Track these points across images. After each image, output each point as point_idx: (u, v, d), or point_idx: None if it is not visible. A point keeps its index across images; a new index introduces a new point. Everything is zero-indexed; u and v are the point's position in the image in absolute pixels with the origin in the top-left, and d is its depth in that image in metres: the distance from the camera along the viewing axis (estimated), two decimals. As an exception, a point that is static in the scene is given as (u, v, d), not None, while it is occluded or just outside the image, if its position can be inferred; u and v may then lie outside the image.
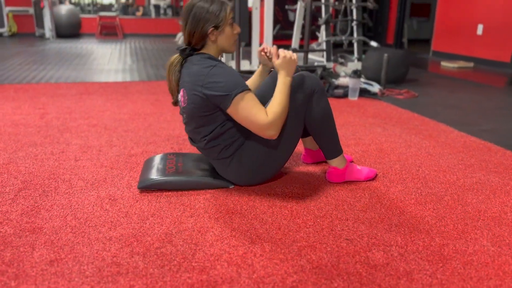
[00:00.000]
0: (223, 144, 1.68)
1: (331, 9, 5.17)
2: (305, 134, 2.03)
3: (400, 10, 7.76)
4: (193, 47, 1.66)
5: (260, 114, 1.55)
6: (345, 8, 5.10)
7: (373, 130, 2.66)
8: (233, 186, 1.79)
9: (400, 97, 3.69)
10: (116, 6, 11.48)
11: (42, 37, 8.91)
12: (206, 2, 1.60)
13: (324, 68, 4.37)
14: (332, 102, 3.44)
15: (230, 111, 1.57)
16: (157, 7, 12.04)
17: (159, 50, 7.25)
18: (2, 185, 1.77)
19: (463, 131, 2.66)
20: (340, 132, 2.60)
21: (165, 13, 11.58)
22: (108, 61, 5.71)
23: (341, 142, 2.40)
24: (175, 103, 1.76)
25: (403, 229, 1.47)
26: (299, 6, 5.14)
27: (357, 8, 4.83)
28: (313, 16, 5.93)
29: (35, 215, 1.53)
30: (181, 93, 1.67)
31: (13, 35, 9.06)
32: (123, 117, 2.85)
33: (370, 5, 4.76)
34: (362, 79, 4.00)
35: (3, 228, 1.44)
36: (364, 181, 1.87)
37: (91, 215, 1.54)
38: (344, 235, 1.43)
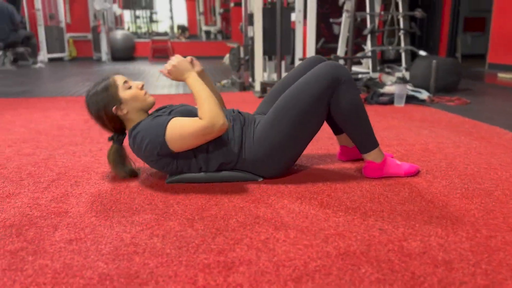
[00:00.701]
0: (221, 153, 1.65)
1: (377, 19, 5.06)
2: (339, 130, 1.94)
3: (452, 24, 7.48)
4: (117, 131, 1.72)
5: (195, 123, 1.53)
6: (392, 17, 4.97)
7: (419, 132, 2.50)
8: (261, 179, 1.72)
9: (451, 103, 3.49)
10: (170, 34, 11.99)
11: (99, 60, 9.41)
12: (93, 90, 1.64)
13: (370, 78, 4.25)
14: (376, 108, 3.30)
15: (175, 147, 1.57)
16: (207, 32, 12.45)
17: (206, 70, 7.40)
18: (38, 176, 1.81)
19: (519, 133, 2.45)
20: (382, 134, 2.47)
21: (215, 37, 11.93)
22: (157, 78, 5.89)
23: (382, 143, 2.28)
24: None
25: (444, 221, 1.33)
26: (344, 18, 5.08)
27: (404, 17, 4.69)
28: (358, 28, 5.84)
29: (63, 201, 1.54)
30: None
31: (72, 59, 9.63)
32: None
33: (418, 14, 4.61)
34: (410, 87, 3.83)
35: (31, 211, 1.45)
36: (404, 176, 1.74)
37: (117, 202, 1.52)
38: (378, 225, 1.31)
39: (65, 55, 9.38)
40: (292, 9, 4.76)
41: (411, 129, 2.58)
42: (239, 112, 1.75)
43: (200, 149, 1.63)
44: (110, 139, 1.73)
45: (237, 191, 1.61)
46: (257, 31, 4.39)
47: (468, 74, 5.84)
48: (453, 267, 1.07)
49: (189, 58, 1.74)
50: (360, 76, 4.47)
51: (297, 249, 1.18)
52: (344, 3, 5.07)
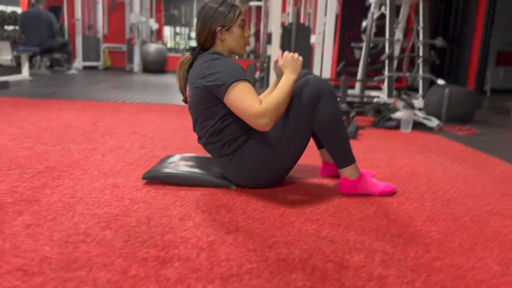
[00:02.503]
0: (224, 140, 1.66)
1: (398, 46, 5.04)
2: (321, 145, 1.95)
3: (481, 56, 7.34)
4: (202, 46, 1.71)
5: (254, 103, 1.53)
6: (413, 44, 4.95)
7: (413, 156, 2.47)
8: (235, 187, 1.74)
9: (460, 133, 3.42)
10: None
11: (130, 71, 9.73)
12: (216, 3, 1.66)
13: (384, 103, 4.23)
14: (381, 132, 3.28)
15: (226, 100, 1.57)
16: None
17: (230, 85, 7.52)
18: (26, 168, 1.90)
19: (519, 165, 2.37)
20: (375, 155, 2.46)
21: (248, 57, 12.14)
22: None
23: (371, 164, 2.26)
24: (185, 100, 1.80)
25: (398, 240, 1.31)
26: (365, 43, 5.08)
27: (424, 45, 4.66)
28: (379, 54, 5.83)
29: (39, 191, 1.61)
30: (187, 88, 1.71)
31: (106, 69, 10.01)
32: (165, 129, 2.96)
33: (439, 42, 4.57)
34: (421, 114, 3.78)
35: (5, 197, 1.53)
36: (378, 195, 1.73)
37: (87, 196, 1.58)
38: (329, 238, 1.31)
39: (99, 64, 9.77)
40: (311, 30, 4.83)
41: (406, 153, 2.55)
42: None
43: (228, 121, 1.64)
44: (193, 49, 1.73)
45: (207, 194, 1.64)
46: (274, 50, 4.47)
47: (494, 107, 5.70)
48: (385, 283, 1.06)
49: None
50: (375, 99, 4.45)
51: (239, 251, 1.19)
52: (365, 28, 5.09)
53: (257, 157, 1.66)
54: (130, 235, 1.27)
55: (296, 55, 1.66)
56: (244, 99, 1.54)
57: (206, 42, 1.69)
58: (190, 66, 1.75)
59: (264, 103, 1.54)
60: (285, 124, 1.63)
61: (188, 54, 1.75)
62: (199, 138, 1.78)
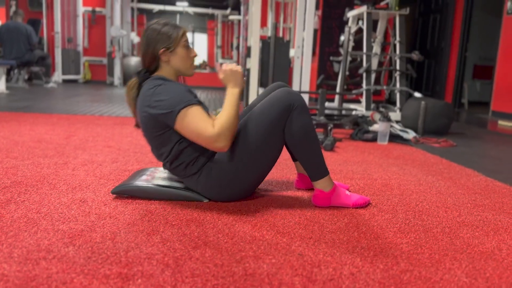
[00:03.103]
0: (187, 161, 1.64)
1: (376, 60, 5.11)
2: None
3: (458, 69, 7.50)
4: (148, 69, 1.70)
5: (207, 127, 1.52)
6: (391, 58, 5.03)
7: (388, 169, 2.48)
8: (207, 200, 1.72)
9: (436, 145, 3.46)
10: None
11: (111, 84, 9.65)
12: (159, 24, 1.66)
13: (361, 115, 4.26)
14: (358, 144, 3.30)
15: (176, 128, 1.57)
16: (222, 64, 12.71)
17: (208, 98, 7.52)
18: (-8, 183, 1.84)
19: (491, 177, 2.40)
20: (350, 167, 2.46)
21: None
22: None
23: (345, 176, 2.26)
24: (137, 125, 1.77)
25: (368, 252, 1.30)
26: (343, 57, 5.14)
27: (401, 59, 4.74)
28: (357, 67, 5.90)
29: (3, 206, 1.56)
30: (137, 115, 1.69)
31: (86, 82, 9.91)
32: (141, 143, 2.92)
33: (415, 56, 4.65)
34: (398, 126, 3.83)
35: (-33, 213, 1.48)
36: (352, 207, 1.72)
37: (53, 211, 1.54)
38: (299, 251, 1.29)
39: (79, 77, 9.67)
40: (291, 44, 4.87)
41: (381, 165, 2.56)
42: None
43: (183, 145, 1.61)
44: (138, 73, 1.70)
45: (177, 208, 1.61)
46: (253, 63, 4.48)
47: (470, 120, 5.80)
48: (352, 296, 1.04)
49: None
50: (354, 112, 4.49)
51: (205, 267, 1.17)
52: (343, 42, 5.15)
53: (226, 171, 1.64)
54: (94, 251, 1.23)
55: (235, 66, 1.65)
56: (196, 125, 1.53)
57: (151, 64, 1.68)
58: (139, 89, 1.70)
59: (217, 125, 1.53)
60: (255, 137, 1.62)
61: (134, 78, 1.72)
62: (163, 164, 1.74)
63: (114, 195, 1.74)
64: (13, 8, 9.03)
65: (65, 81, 9.38)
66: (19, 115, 3.97)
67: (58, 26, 8.82)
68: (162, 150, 1.66)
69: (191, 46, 1.60)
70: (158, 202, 1.68)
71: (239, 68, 1.65)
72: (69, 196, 1.71)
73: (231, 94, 1.62)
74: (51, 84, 7.85)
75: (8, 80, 7.81)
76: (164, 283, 1.07)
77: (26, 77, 7.79)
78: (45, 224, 1.41)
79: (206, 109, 1.66)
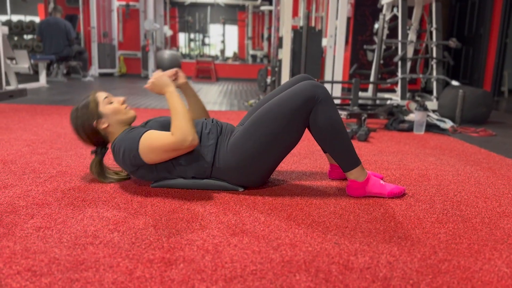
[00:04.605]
0: (195, 161, 1.70)
1: (412, 47, 5.00)
2: (327, 148, 1.94)
3: (498, 56, 7.23)
4: (101, 145, 1.81)
5: (166, 138, 1.60)
6: (427, 46, 4.91)
7: (425, 159, 2.45)
8: (242, 189, 1.75)
9: (474, 134, 3.37)
10: (220, 56, 12.38)
11: (146, 77, 9.85)
12: (74, 112, 1.76)
13: (397, 105, 4.19)
14: (393, 134, 3.25)
15: (148, 160, 1.65)
16: (254, 56, 12.76)
17: (239, 90, 7.56)
18: (40, 172, 1.94)
19: (533, 167, 2.33)
20: (386, 158, 2.44)
21: (261, 61, 12.18)
22: (205, 95, 6.08)
23: (381, 166, 2.25)
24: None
25: (405, 242, 1.30)
26: (377, 45, 5.06)
27: (437, 47, 4.61)
28: (391, 56, 5.79)
29: (51, 195, 1.65)
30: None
31: (122, 75, 10.15)
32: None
33: (452, 43, 4.52)
34: (435, 116, 3.74)
35: (18, 201, 1.57)
36: (387, 197, 1.72)
37: (97, 199, 1.61)
38: (335, 239, 1.31)
39: (115, 71, 9.91)
40: (323, 33, 4.82)
41: (418, 155, 2.52)
42: (217, 122, 1.80)
43: (176, 159, 1.69)
44: (93, 152, 1.83)
45: (214, 198, 1.66)
46: (285, 54, 4.47)
47: (510, 109, 5.60)
48: (389, 284, 1.05)
49: (173, 70, 1.83)
50: (388, 101, 4.42)
51: (243, 253, 1.20)
52: (377, 30, 5.06)
53: (243, 154, 1.66)
54: (137, 237, 1.29)
55: (153, 77, 1.72)
56: (158, 144, 1.61)
57: (98, 140, 1.78)
58: (101, 165, 1.83)
59: (173, 130, 1.60)
60: (276, 122, 1.62)
61: (94, 157, 1.84)
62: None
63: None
64: (51, 5, 9.32)
65: (101, 74, 9.64)
66: (60, 108, 4.13)
67: (94, 21, 9.05)
68: (176, 169, 1.72)
69: (110, 96, 1.67)
70: (195, 191, 1.73)
71: (157, 75, 1.72)
72: (112, 185, 1.78)
73: (168, 96, 1.69)
74: (88, 78, 8.09)
75: (48, 74, 8.10)
76: (205, 267, 1.11)
77: (65, 71, 8.06)
78: (91, 212, 1.48)
79: (156, 127, 1.74)
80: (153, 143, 1.61)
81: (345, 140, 1.67)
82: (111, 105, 1.74)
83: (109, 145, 1.81)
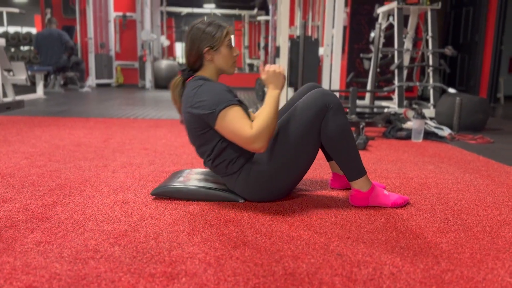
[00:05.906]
0: (228, 159, 1.67)
1: (408, 56, 5.03)
2: (330, 157, 1.94)
3: (493, 63, 7.28)
4: (192, 67, 1.74)
5: (245, 128, 1.55)
6: (423, 54, 4.94)
7: (424, 167, 2.45)
8: (243, 201, 1.75)
9: (472, 142, 3.38)
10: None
11: (143, 87, 9.86)
12: (203, 24, 1.69)
13: (394, 113, 4.20)
14: (391, 142, 3.26)
15: (216, 128, 1.60)
16: (250, 65, 12.81)
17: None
18: (39, 185, 1.93)
19: (532, 174, 2.33)
20: (385, 166, 2.44)
21: (258, 70, 12.23)
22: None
23: (380, 175, 2.25)
24: (182, 122, 1.82)
25: (407, 252, 1.30)
26: (373, 54, 5.09)
27: (433, 54, 4.65)
28: (388, 64, 5.81)
29: (50, 208, 1.64)
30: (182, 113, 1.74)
31: (119, 86, 10.15)
32: (175, 144, 2.99)
33: (448, 51, 4.55)
34: (433, 123, 3.76)
35: (18, 215, 1.56)
36: (391, 207, 1.71)
37: (97, 212, 1.60)
38: (337, 251, 1.30)
39: (112, 81, 9.91)
40: (319, 42, 4.85)
41: (417, 164, 2.52)
42: None
43: (225, 140, 1.65)
44: (183, 71, 1.75)
45: (215, 209, 1.65)
46: (282, 63, 4.49)
47: (507, 115, 5.62)
48: (393, 296, 1.05)
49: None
50: (386, 109, 4.43)
51: (246, 266, 1.19)
52: (374, 39, 5.10)
53: (264, 172, 1.66)
54: (138, 250, 1.28)
55: (278, 68, 1.66)
56: (235, 126, 1.56)
57: (195, 63, 1.72)
58: (183, 87, 1.76)
59: (255, 126, 1.55)
60: (292, 138, 1.63)
61: (179, 76, 1.77)
62: (204, 162, 1.78)
63: (154, 196, 1.80)
64: (48, 16, 9.35)
65: (98, 85, 9.64)
66: (57, 120, 4.13)
67: (91, 32, 9.07)
68: (204, 148, 1.69)
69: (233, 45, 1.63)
70: (196, 203, 1.72)
71: (282, 70, 1.67)
72: (111, 198, 1.78)
73: (271, 96, 1.63)
74: (85, 89, 8.09)
75: (45, 85, 8.09)
76: (207, 281, 1.10)
77: (62, 82, 8.06)
78: (91, 225, 1.47)
79: (246, 108, 1.69)
80: (233, 120, 1.56)
81: (353, 148, 1.68)
82: (229, 51, 1.70)
83: (195, 75, 1.73)
